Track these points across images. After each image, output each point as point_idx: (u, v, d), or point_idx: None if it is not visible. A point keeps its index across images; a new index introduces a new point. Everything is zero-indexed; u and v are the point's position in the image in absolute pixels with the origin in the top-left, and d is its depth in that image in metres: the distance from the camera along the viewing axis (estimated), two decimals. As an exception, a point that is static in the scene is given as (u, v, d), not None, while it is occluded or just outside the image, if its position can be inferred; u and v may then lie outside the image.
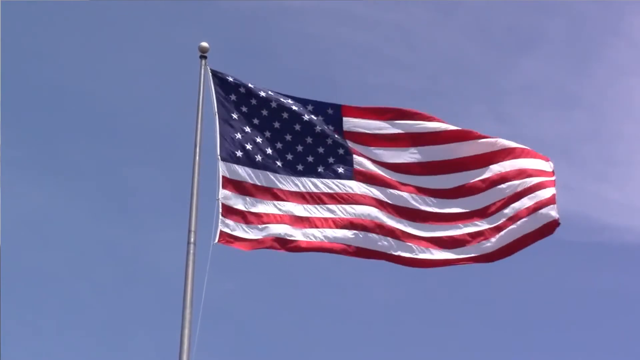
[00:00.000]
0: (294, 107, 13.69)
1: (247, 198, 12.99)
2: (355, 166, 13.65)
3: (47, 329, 28.58)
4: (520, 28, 33.98)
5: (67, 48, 32.46)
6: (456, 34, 33.68)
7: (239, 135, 13.35)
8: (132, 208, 30.83)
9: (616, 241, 31.53)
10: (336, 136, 13.72)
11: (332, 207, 13.32)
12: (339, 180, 13.50)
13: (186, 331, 11.58)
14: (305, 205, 13.24)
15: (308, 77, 32.22)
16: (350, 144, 13.77)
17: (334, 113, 13.88)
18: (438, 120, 13.95)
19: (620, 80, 33.42)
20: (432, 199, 13.64)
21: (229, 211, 12.74)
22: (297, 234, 13.02)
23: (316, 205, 13.27)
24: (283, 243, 12.94)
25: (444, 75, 33.56)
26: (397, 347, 28.32)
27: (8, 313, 20.42)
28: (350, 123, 13.87)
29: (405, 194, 13.63)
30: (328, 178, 13.50)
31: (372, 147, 13.82)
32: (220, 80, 13.59)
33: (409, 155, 13.83)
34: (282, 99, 13.73)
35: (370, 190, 13.54)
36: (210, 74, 13.57)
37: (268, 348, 28.18)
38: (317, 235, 13.08)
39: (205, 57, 13.67)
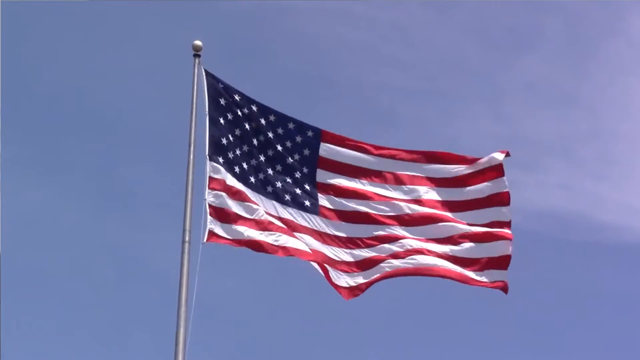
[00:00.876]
0: (271, 133, 13.72)
1: (230, 200, 13.04)
2: (321, 202, 13.74)
3: (46, 328, 28.62)
4: (520, 28, 34.02)
5: (65, 48, 32.54)
6: (455, 33, 33.71)
7: (224, 141, 13.38)
8: (130, 207, 30.90)
9: (615, 241, 31.56)
10: (305, 170, 13.78)
11: (299, 235, 13.42)
12: (304, 213, 13.61)
13: (181, 330, 11.61)
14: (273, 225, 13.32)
15: (306, 76, 32.29)
16: (322, 173, 13.83)
17: (313, 136, 13.92)
18: (416, 159, 14.03)
19: (619, 80, 33.46)
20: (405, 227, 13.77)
21: (216, 210, 12.79)
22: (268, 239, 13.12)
23: (279, 233, 13.31)
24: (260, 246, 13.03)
25: (443, 74, 33.56)
26: (397, 347, 28.33)
27: (8, 313, 20.42)
28: (328, 149, 13.91)
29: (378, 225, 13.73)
30: (293, 208, 13.57)
31: (347, 177, 13.87)
32: (211, 83, 13.58)
33: (384, 190, 13.93)
34: (263, 120, 13.75)
35: (330, 229, 13.63)
36: (204, 72, 13.56)
37: (265, 347, 28.20)
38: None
39: (199, 56, 13.63)
